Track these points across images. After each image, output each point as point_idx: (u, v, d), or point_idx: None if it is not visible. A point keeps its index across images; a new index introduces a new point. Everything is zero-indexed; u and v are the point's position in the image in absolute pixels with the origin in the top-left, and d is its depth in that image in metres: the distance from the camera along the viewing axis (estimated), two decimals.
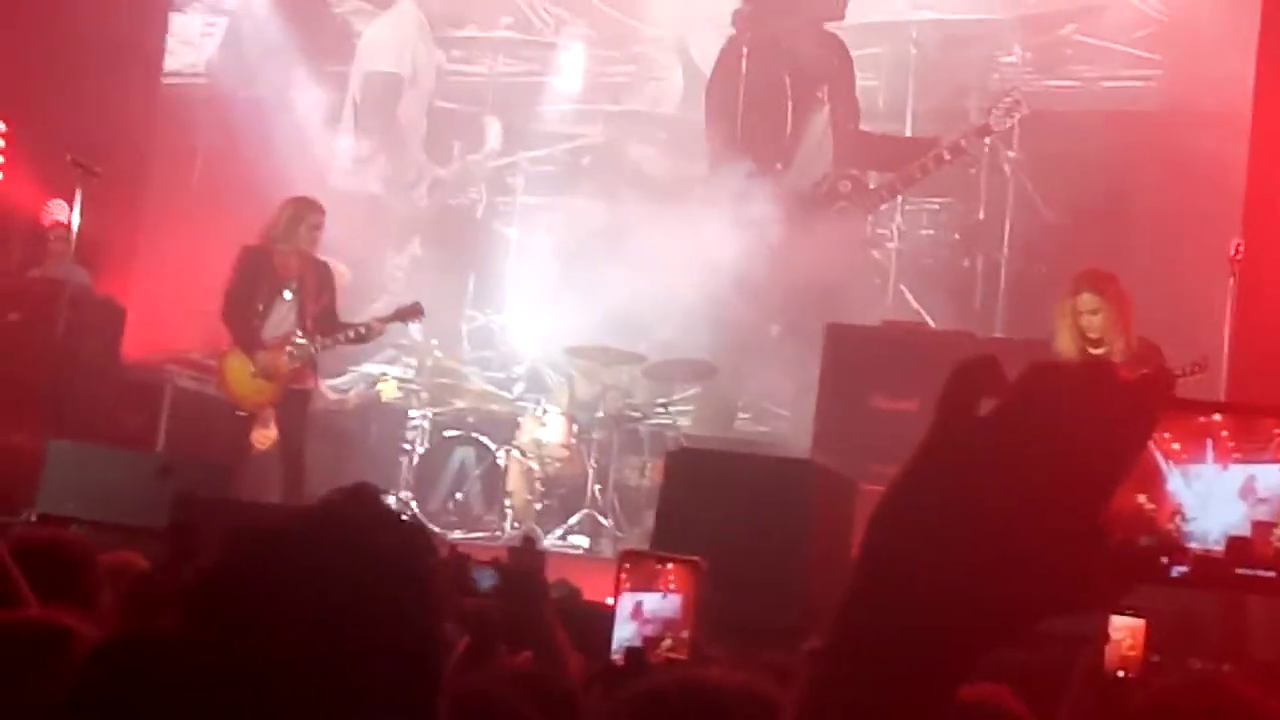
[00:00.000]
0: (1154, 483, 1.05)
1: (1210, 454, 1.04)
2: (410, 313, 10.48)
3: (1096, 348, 8.80)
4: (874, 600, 1.01)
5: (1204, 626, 6.36)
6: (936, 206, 12.48)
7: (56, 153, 10.64)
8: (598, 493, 11.34)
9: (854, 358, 9.77)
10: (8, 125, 12.10)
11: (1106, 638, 4.21)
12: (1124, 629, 4.26)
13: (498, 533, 11.09)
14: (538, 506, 11.39)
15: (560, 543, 11.00)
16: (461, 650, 3.48)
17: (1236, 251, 8.87)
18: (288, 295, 10.25)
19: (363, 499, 1.92)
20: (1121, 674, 4.11)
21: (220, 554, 1.84)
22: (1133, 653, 4.14)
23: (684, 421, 12.06)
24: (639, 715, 1.98)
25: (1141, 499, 1.04)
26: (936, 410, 1.03)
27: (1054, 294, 9.40)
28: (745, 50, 12.56)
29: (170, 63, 13.74)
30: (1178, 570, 1.03)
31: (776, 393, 12.13)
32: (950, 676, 1.00)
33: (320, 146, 13.37)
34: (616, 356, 11.65)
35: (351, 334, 10.32)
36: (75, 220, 10.16)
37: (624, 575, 3.62)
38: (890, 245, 12.28)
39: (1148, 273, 10.33)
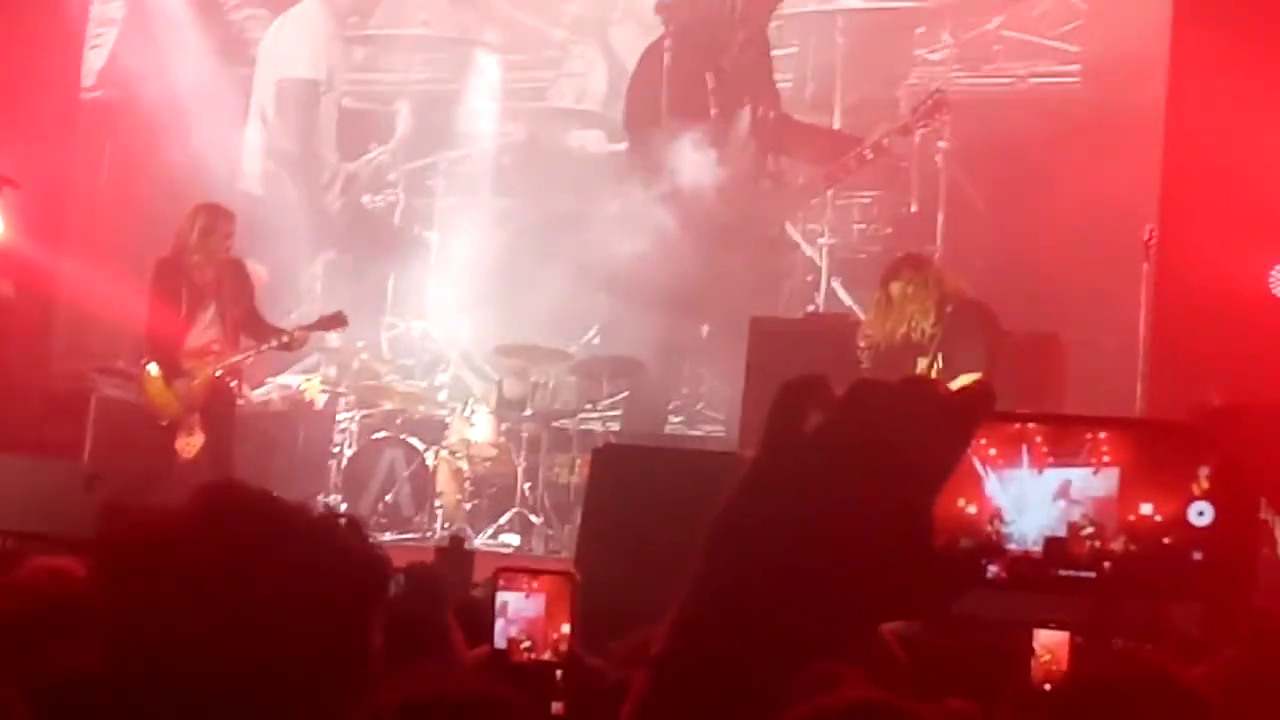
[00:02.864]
0: (973, 487, 1.08)
1: (1026, 459, 1.08)
2: (334, 321, 10.48)
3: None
4: (709, 610, 1.04)
5: (1121, 609, 6.43)
6: (868, 200, 12.50)
7: None
8: (527, 491, 11.36)
9: (779, 351, 9.81)
10: None
11: (1031, 652, 4.25)
12: (1048, 645, 4.29)
13: (428, 533, 11.08)
14: (468, 506, 11.39)
15: (491, 542, 11.01)
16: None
17: (1150, 236, 8.98)
18: (207, 305, 10.21)
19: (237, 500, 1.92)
20: (1047, 687, 4.16)
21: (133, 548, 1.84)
22: (1055, 667, 4.20)
23: (613, 424, 12.09)
24: None
25: (961, 503, 1.08)
26: (765, 427, 1.07)
27: (987, 282, 9.44)
28: (668, 45, 12.58)
29: (86, 73, 13.57)
30: (994, 571, 1.07)
31: (709, 394, 12.17)
32: (781, 685, 1.04)
33: (229, 151, 13.29)
34: (544, 355, 11.66)
35: (275, 342, 10.29)
36: None
37: (500, 587, 3.81)
38: (821, 241, 12.31)
39: (1069, 259, 10.44)
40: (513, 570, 3.82)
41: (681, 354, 11.99)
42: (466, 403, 11.73)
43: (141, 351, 10.50)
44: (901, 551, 1.03)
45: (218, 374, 10.17)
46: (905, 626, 6.50)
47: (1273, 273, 9.32)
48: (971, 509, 1.08)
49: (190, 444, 10.19)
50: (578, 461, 11.21)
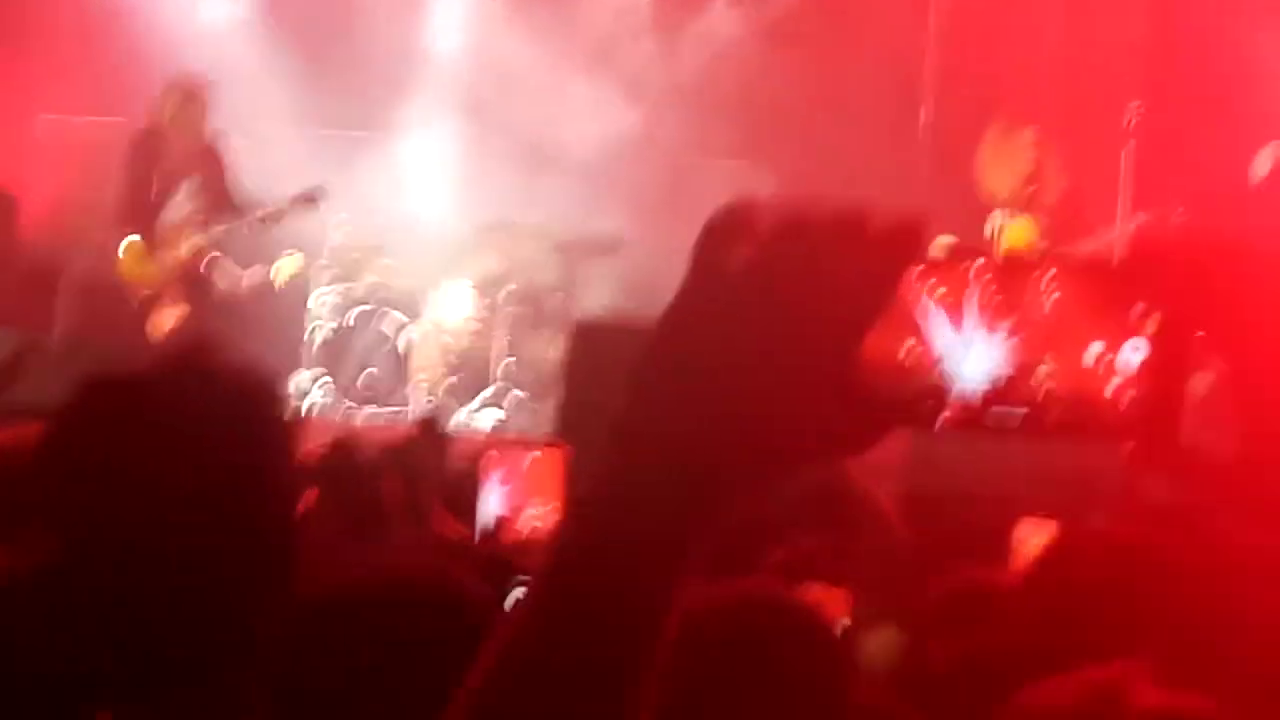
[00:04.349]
0: (915, 329, 1.06)
1: (973, 301, 1.05)
2: (311, 196, 10.39)
3: (1031, 184, 8.76)
4: (630, 449, 1.02)
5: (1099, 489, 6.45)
6: None
7: None
8: (508, 368, 11.36)
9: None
10: None
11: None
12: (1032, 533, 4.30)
13: (410, 408, 11.08)
14: (448, 382, 11.39)
15: (472, 418, 11.02)
16: (312, 503, 3.54)
17: (1134, 112, 8.86)
18: (183, 180, 10.13)
19: (203, 349, 1.92)
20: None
21: (58, 412, 1.83)
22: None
23: (594, 301, 12.05)
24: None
25: (903, 346, 1.05)
26: (690, 260, 1.03)
27: None
28: None
29: None
30: (939, 416, 1.04)
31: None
32: (705, 528, 1.01)
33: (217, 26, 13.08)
34: (525, 232, 11.61)
35: (253, 217, 10.23)
36: None
37: (491, 461, 3.77)
38: None
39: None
40: (503, 444, 3.80)
41: (665, 231, 11.93)
42: (447, 279, 11.69)
43: (117, 226, 10.42)
44: (830, 390, 1.00)
45: (194, 250, 10.11)
46: (901, 496, 6.55)
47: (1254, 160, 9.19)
48: (915, 352, 1.05)
49: (168, 321, 10.16)
50: (558, 338, 11.20)
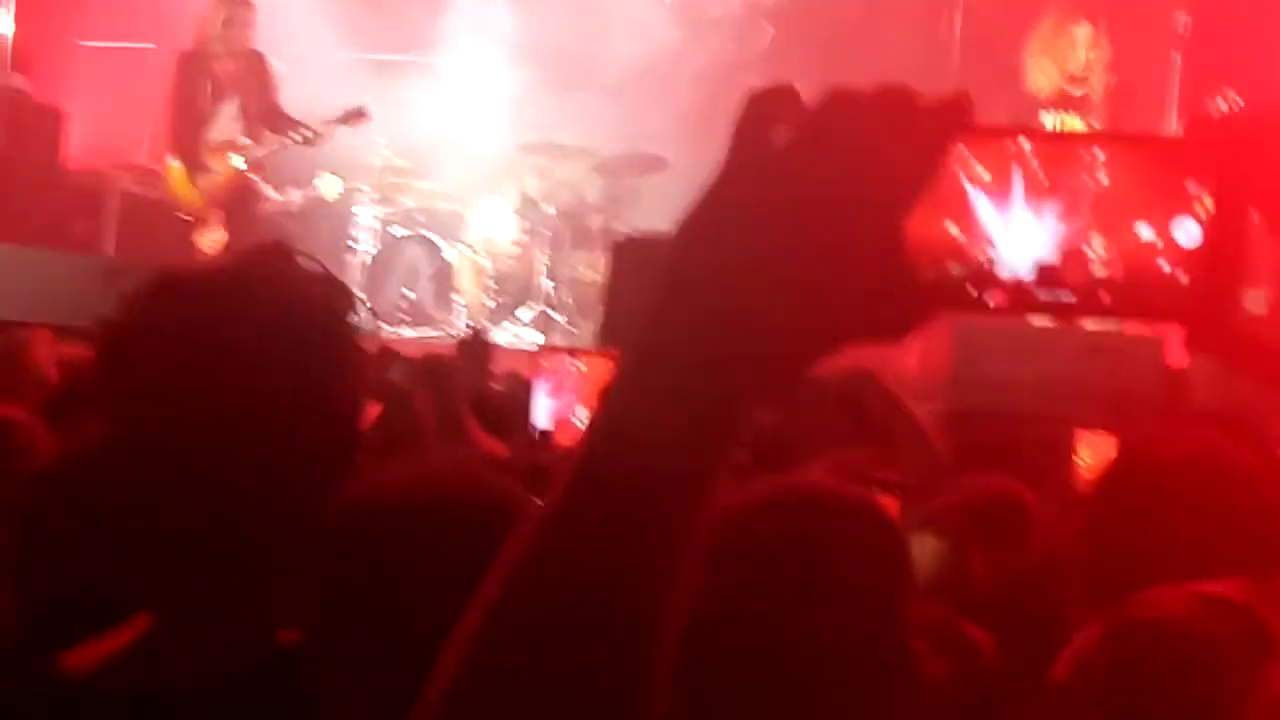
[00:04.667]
0: (962, 210, 1.04)
1: (1019, 181, 1.05)
2: (356, 116, 10.39)
3: (1078, 87, 8.62)
4: (668, 333, 1.00)
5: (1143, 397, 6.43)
6: None
7: None
8: (550, 289, 11.35)
9: None
10: None
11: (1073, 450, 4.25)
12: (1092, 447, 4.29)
13: (450, 330, 11.10)
14: (490, 304, 11.39)
15: (513, 339, 11.03)
16: (375, 418, 3.54)
17: (1184, 29, 8.75)
18: (229, 99, 10.15)
19: (278, 254, 1.90)
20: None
21: (124, 311, 1.82)
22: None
23: (637, 221, 12.02)
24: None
25: (949, 227, 1.04)
26: (731, 140, 1.02)
27: None
28: None
29: None
30: (988, 299, 1.04)
31: None
32: (744, 411, 1.00)
33: None
34: (567, 153, 11.57)
35: (298, 137, 10.23)
36: (9, 26, 9.99)
37: (543, 369, 3.76)
38: None
39: None
40: (550, 355, 3.79)
41: (706, 150, 11.86)
42: (487, 200, 11.67)
43: (163, 146, 10.46)
44: (873, 270, 0.99)
45: (241, 169, 10.14)
46: (943, 414, 6.54)
47: None
48: (960, 233, 1.04)
49: (213, 240, 10.21)
50: (600, 260, 11.18)
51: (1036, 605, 3.05)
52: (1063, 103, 8.99)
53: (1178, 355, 7.10)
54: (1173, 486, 2.78)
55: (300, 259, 1.88)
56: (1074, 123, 8.88)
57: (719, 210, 1.01)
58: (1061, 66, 8.67)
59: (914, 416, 4.19)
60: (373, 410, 4.97)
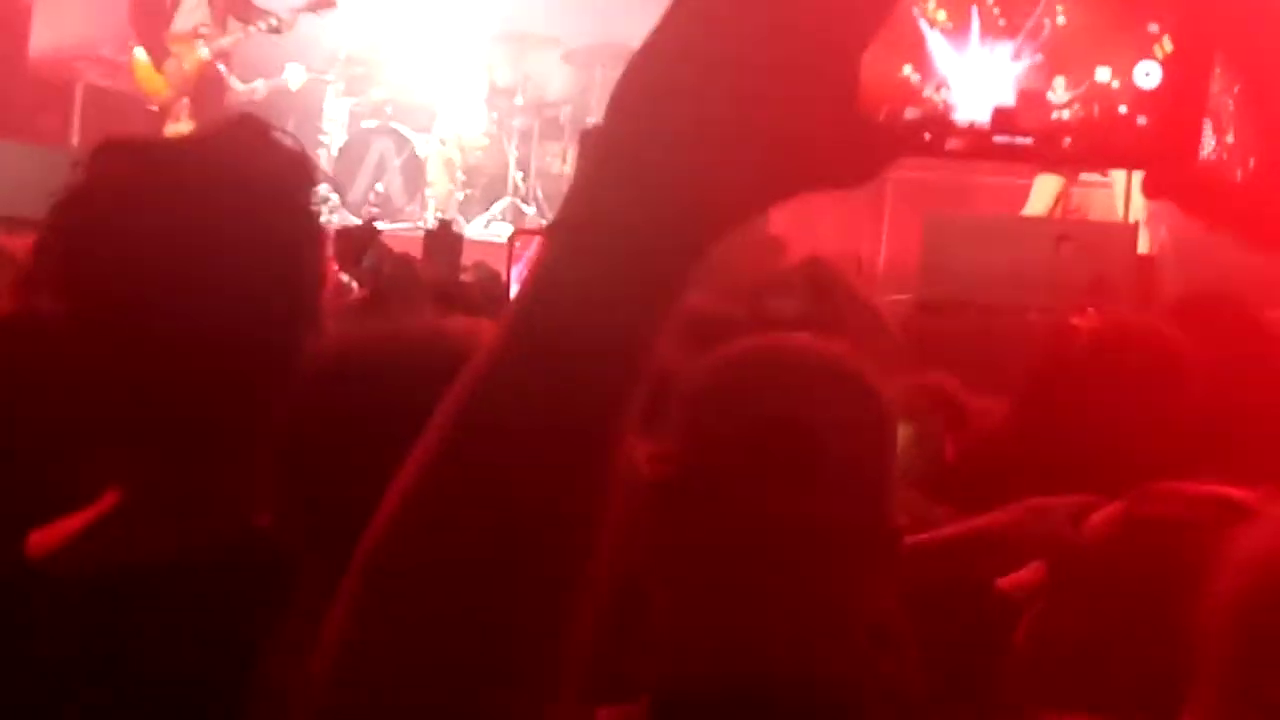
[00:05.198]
0: (917, 52, 1.02)
1: (975, 24, 1.03)
2: (322, 3, 10.28)
3: None
4: (612, 171, 0.95)
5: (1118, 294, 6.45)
6: None
7: None
8: (519, 181, 11.31)
9: None
10: None
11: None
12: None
13: (420, 223, 11.06)
14: (459, 196, 11.35)
15: (484, 231, 11.00)
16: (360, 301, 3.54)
17: None
18: None
19: (246, 125, 1.88)
20: None
21: (86, 172, 1.81)
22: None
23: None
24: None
25: (905, 69, 1.02)
26: None
27: None
28: None
29: None
30: (945, 144, 1.02)
31: None
32: (690, 255, 0.96)
33: None
34: (535, 43, 11.49)
35: (264, 25, 10.11)
36: None
37: (515, 251, 3.70)
38: None
39: None
40: (528, 233, 3.74)
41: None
42: (457, 92, 11.59)
43: (126, 36, 10.34)
44: (827, 110, 0.95)
45: (206, 57, 10.03)
46: (898, 304, 6.55)
47: None
48: (915, 76, 1.01)
49: (178, 131, 10.12)
50: (570, 150, 11.14)
51: (1011, 483, 3.06)
52: None
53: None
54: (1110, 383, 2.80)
55: (269, 133, 1.86)
56: None
57: (661, 55, 0.97)
58: None
59: (871, 305, 4.19)
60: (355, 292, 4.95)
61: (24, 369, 2.23)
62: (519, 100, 11.38)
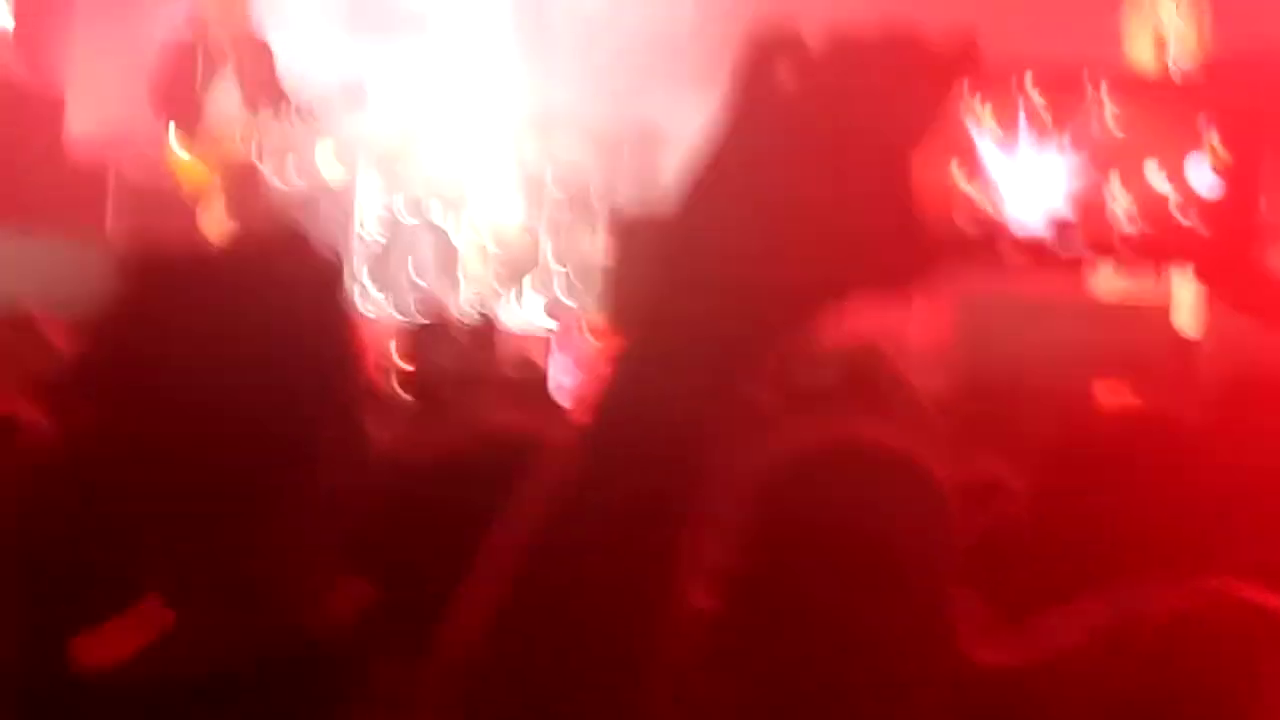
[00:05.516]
0: (966, 153, 1.02)
1: (1024, 126, 1.02)
2: (354, 93, 10.38)
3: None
4: (674, 276, 0.99)
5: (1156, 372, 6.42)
6: None
7: None
8: (555, 268, 11.34)
9: None
10: None
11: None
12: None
13: (456, 313, 11.08)
14: (496, 285, 11.37)
15: (520, 319, 11.03)
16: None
17: None
18: (226, 75, 10.12)
19: (275, 226, 1.90)
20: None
21: (115, 290, 1.81)
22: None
23: (642, 191, 12.00)
24: None
25: (954, 171, 1.01)
26: (731, 83, 1.00)
27: None
28: None
29: None
30: (995, 250, 1.01)
31: None
32: (750, 359, 0.99)
33: None
34: (563, 125, 11.56)
35: (296, 111, 10.19)
36: (7, 14, 9.99)
37: (554, 340, 3.72)
38: None
39: None
40: (568, 326, 3.76)
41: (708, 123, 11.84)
42: (490, 178, 11.66)
43: (161, 128, 10.42)
44: (878, 211, 0.97)
45: (240, 150, 10.11)
46: (948, 386, 6.51)
47: None
48: (964, 178, 1.01)
49: (214, 223, 10.17)
50: (605, 236, 11.17)
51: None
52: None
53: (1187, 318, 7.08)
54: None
55: (298, 233, 1.87)
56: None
57: (720, 160, 0.99)
58: (1155, 31, 8.55)
59: (914, 389, 4.18)
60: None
61: (63, 474, 2.24)
62: (550, 184, 11.43)
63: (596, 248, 11.25)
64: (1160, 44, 8.55)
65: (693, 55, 11.59)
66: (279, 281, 1.81)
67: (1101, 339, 6.49)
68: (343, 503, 1.79)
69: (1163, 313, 7.19)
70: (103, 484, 1.78)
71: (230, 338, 1.75)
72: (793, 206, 0.97)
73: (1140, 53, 8.54)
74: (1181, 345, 6.95)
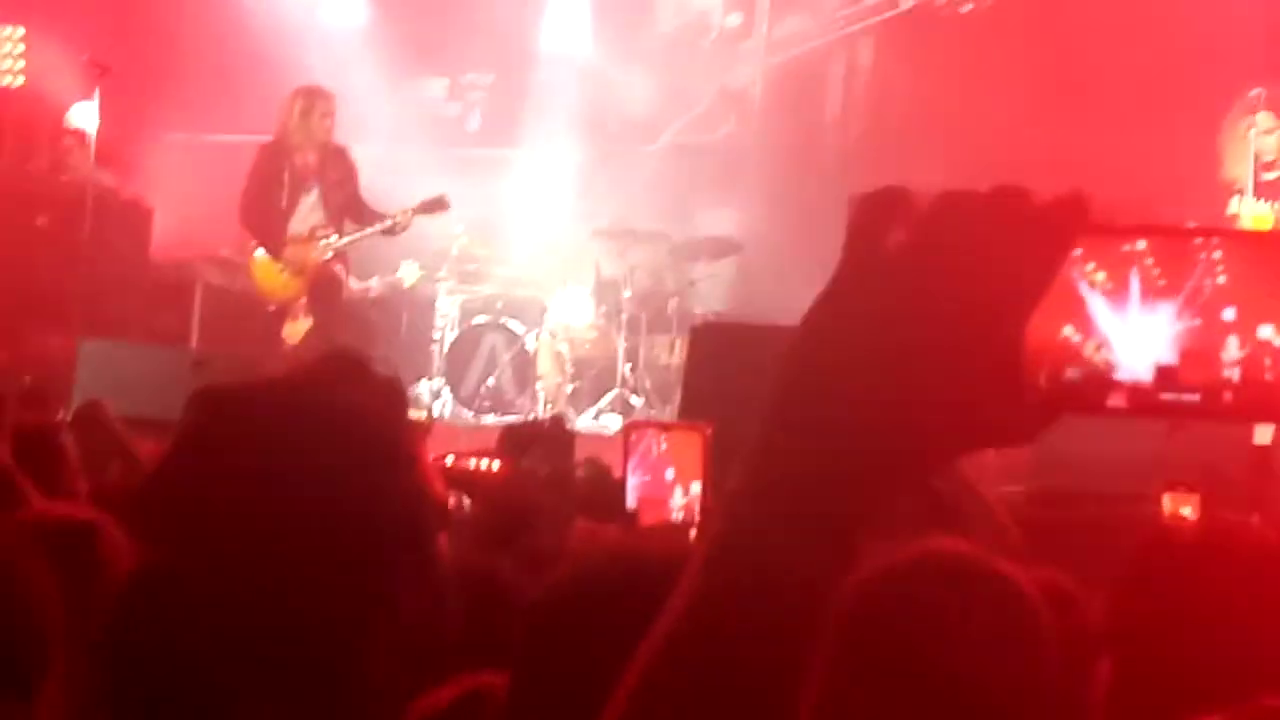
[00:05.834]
0: (1078, 313, 1.03)
1: (1136, 285, 1.04)
2: (436, 204, 10.49)
3: (1271, 171, 8.42)
4: (786, 440, 1.00)
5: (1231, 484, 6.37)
6: None
7: (76, 54, 10.68)
8: (628, 372, 11.38)
9: None
10: (26, 29, 12.08)
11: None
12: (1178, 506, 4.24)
13: (531, 415, 11.14)
14: (569, 388, 11.43)
15: (593, 423, 11.06)
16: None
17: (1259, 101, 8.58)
18: (310, 190, 10.27)
19: (339, 361, 1.92)
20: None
21: (184, 420, 1.81)
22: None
23: (714, 304, 12.04)
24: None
25: (1066, 331, 1.03)
26: (845, 244, 1.02)
27: None
28: None
29: None
30: (1106, 402, 1.03)
31: (810, 275, 12.01)
32: (863, 515, 1.00)
33: (337, 38, 13.21)
34: (642, 236, 11.64)
35: (379, 226, 10.33)
36: (94, 122, 10.17)
37: (629, 444, 3.69)
38: None
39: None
40: (641, 425, 3.70)
41: (782, 234, 11.91)
42: (565, 285, 11.74)
43: (246, 237, 10.59)
44: (992, 376, 0.98)
45: (323, 258, 10.24)
46: (1025, 495, 6.49)
47: None
48: (1077, 337, 1.03)
49: (297, 330, 10.30)
50: (677, 342, 11.21)
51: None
52: (1257, 190, 8.73)
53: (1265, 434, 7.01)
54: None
55: (362, 365, 1.90)
56: (1265, 212, 8.56)
57: (833, 320, 1.01)
58: (1250, 153, 8.47)
59: (986, 499, 4.16)
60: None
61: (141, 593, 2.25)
62: (626, 292, 11.50)
63: (667, 351, 11.30)
64: (1258, 164, 8.49)
65: (766, 169, 11.68)
66: (344, 418, 1.83)
67: (1176, 450, 6.45)
68: (421, 636, 1.80)
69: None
70: (176, 609, 1.80)
71: (298, 470, 1.76)
72: (904, 364, 0.98)
73: (1239, 174, 8.47)
74: (1260, 453, 6.89)
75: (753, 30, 12.66)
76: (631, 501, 3.69)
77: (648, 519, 3.65)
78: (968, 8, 11.41)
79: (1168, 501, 4.67)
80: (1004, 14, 11.53)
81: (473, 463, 5.22)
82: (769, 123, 12.23)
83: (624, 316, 11.44)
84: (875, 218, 1.01)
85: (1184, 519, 4.25)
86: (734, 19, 12.77)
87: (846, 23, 12.34)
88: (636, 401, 11.26)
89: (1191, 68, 10.31)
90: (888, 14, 12.15)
